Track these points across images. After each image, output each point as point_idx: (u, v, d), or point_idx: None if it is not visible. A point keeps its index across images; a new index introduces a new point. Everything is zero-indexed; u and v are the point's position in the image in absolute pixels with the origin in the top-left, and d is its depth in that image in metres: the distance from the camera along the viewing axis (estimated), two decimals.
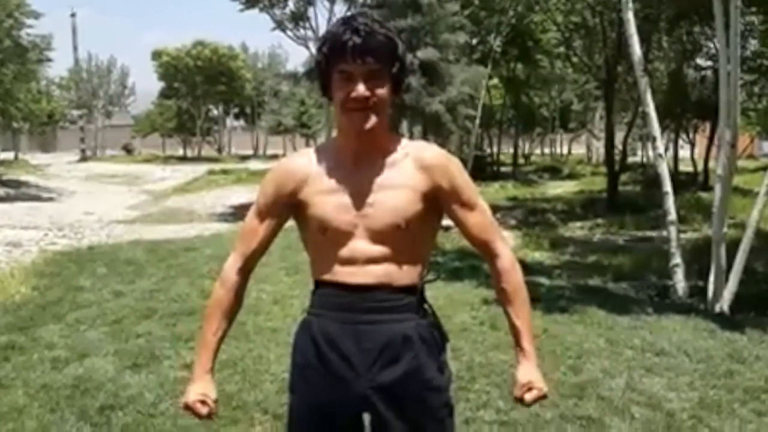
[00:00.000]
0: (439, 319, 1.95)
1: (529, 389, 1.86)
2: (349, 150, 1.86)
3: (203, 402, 1.87)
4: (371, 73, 1.77)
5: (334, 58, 1.77)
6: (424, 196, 1.82)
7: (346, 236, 1.83)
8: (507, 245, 1.93)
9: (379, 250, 1.82)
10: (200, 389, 1.88)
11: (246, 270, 1.97)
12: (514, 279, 1.91)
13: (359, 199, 1.83)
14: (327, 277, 1.87)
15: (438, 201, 1.85)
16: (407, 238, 1.82)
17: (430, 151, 1.88)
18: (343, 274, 1.84)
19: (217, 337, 1.93)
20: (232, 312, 1.96)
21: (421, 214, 1.82)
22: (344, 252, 1.83)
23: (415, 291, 1.87)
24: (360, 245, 1.83)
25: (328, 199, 1.85)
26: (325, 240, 1.86)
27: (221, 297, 1.95)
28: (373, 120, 1.79)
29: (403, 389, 1.82)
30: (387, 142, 1.88)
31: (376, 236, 1.82)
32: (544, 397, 1.88)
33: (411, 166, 1.84)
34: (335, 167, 1.87)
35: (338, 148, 1.90)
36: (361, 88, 1.76)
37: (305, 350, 1.89)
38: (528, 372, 1.88)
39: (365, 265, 1.82)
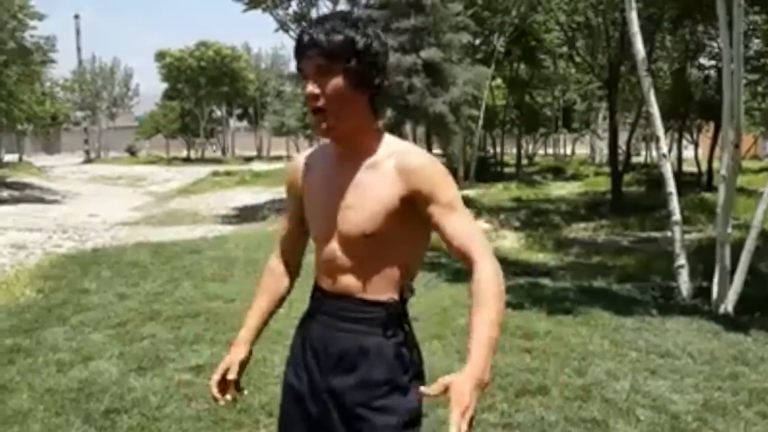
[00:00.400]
0: (415, 340, 1.86)
1: (450, 398, 1.48)
2: (332, 151, 1.86)
3: (223, 382, 1.98)
4: (319, 69, 1.71)
5: (295, 58, 1.77)
6: (400, 201, 1.74)
7: (325, 239, 1.85)
8: (489, 252, 1.69)
9: (348, 256, 1.81)
10: (229, 357, 2.00)
11: (281, 256, 2.09)
12: (489, 285, 1.63)
13: (337, 202, 1.80)
14: (316, 279, 1.94)
15: (417, 207, 1.74)
16: (375, 246, 1.77)
17: (413, 155, 1.77)
18: (323, 279, 1.89)
19: (255, 312, 2.07)
20: (270, 293, 2.09)
21: (391, 221, 1.74)
22: (323, 255, 1.86)
23: (384, 306, 1.81)
24: (333, 250, 1.83)
25: (313, 201, 1.89)
26: (315, 241, 1.93)
27: (261, 279, 2.12)
28: (329, 119, 1.73)
29: (351, 399, 1.79)
30: (369, 142, 1.80)
31: (347, 242, 1.80)
32: (467, 413, 1.46)
33: (392, 170, 1.75)
34: (322, 168, 1.88)
35: (329, 148, 1.90)
36: (308, 86, 1.72)
37: (295, 346, 1.98)
38: (458, 375, 1.51)
39: (337, 272, 1.83)
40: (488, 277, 1.64)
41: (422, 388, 1.56)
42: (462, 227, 1.72)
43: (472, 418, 1.46)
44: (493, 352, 1.56)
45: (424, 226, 1.79)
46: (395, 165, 1.75)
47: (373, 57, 1.74)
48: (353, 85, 1.72)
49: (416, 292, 1.89)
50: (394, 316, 1.82)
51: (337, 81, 1.71)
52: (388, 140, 1.83)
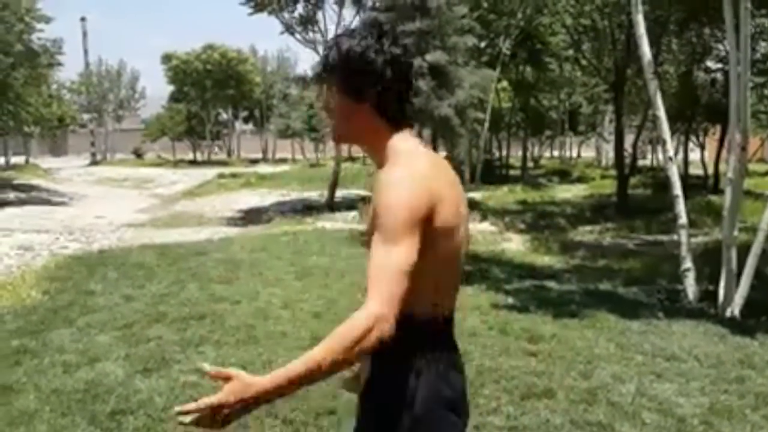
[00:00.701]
0: (413, 360, 1.75)
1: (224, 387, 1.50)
2: None
3: None
4: (324, 81, 1.83)
5: None
6: (373, 217, 1.75)
7: None
8: (379, 297, 1.55)
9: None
10: None
11: None
12: (346, 331, 1.52)
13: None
14: None
15: None
16: None
17: (387, 172, 1.72)
18: None
19: None
20: None
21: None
22: None
23: None
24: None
25: None
26: None
27: None
28: (337, 127, 1.83)
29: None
30: (382, 151, 1.80)
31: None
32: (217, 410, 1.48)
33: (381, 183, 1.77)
34: None
35: None
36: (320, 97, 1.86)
37: None
38: (246, 379, 1.51)
39: None
40: (352, 323, 1.52)
41: (204, 363, 1.57)
42: (374, 260, 1.61)
43: (214, 416, 1.47)
44: (289, 387, 1.51)
45: (430, 249, 1.69)
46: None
47: (365, 65, 1.76)
48: (346, 94, 1.77)
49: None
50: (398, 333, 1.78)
51: (334, 92, 1.79)
52: (398, 149, 1.79)
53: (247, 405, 1.50)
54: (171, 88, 46.80)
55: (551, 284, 8.10)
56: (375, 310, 1.53)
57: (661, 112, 7.49)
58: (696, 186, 20.44)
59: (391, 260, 1.59)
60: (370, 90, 1.77)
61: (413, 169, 1.71)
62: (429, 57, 14.07)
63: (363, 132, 1.81)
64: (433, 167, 1.76)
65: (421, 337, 1.78)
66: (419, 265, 1.69)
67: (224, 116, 52.20)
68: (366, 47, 1.77)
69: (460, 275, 1.86)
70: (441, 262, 1.75)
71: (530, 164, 33.98)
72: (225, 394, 1.49)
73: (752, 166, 20.93)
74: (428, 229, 1.66)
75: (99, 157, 46.53)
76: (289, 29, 19.90)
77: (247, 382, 1.50)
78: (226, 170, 32.72)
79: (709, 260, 7.91)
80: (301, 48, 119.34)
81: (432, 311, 1.79)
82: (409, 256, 1.60)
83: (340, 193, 18.71)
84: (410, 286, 1.64)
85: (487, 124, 21.79)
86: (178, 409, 1.49)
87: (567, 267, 9.63)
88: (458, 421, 1.80)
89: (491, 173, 26.80)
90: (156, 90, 56.73)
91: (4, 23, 21.23)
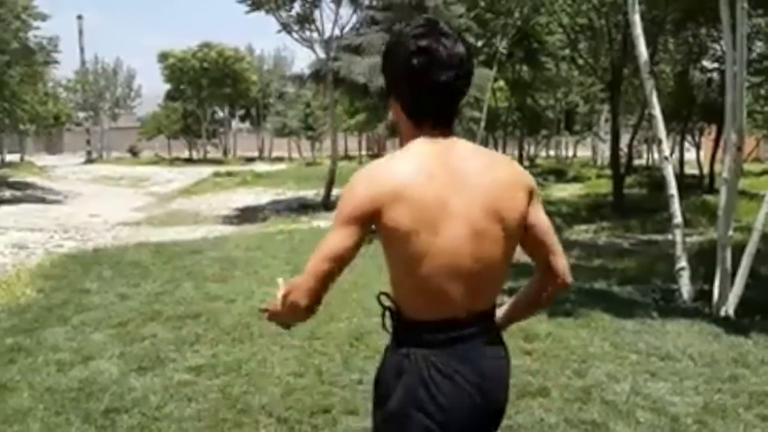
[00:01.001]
0: (398, 358, 1.82)
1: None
2: None
3: None
4: None
5: None
6: None
7: None
8: (303, 274, 1.75)
9: None
10: None
11: None
12: (284, 286, 1.85)
13: None
14: None
15: None
16: None
17: None
18: None
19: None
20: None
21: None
22: None
23: (388, 306, 1.87)
24: None
25: None
26: None
27: None
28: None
29: None
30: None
31: None
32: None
33: None
34: None
35: None
36: None
37: None
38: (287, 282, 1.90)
39: None
40: (285, 285, 1.81)
41: (279, 279, 1.94)
42: None
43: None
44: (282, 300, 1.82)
45: (391, 248, 1.76)
46: None
47: (388, 62, 1.84)
48: (387, 91, 1.89)
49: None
50: (393, 321, 1.86)
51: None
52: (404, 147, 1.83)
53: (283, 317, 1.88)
54: (167, 86, 46.77)
55: None
56: (295, 279, 1.77)
57: (657, 112, 7.50)
58: (691, 185, 20.48)
59: (321, 245, 1.75)
60: (393, 87, 1.85)
61: (373, 170, 1.78)
62: None
63: (399, 126, 1.88)
64: (409, 169, 1.73)
65: (408, 337, 1.81)
66: (390, 265, 1.79)
67: (220, 114, 52.21)
68: (391, 45, 1.85)
69: (469, 282, 1.81)
70: (408, 263, 1.74)
71: (526, 163, 33.94)
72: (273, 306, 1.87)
73: (747, 166, 21.01)
74: (378, 227, 1.73)
75: (95, 155, 46.49)
76: (286, 28, 19.84)
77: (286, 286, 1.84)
78: (222, 168, 32.67)
79: (703, 260, 7.91)
80: (298, 47, 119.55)
81: (422, 314, 1.80)
82: (335, 245, 1.72)
83: (336, 192, 18.69)
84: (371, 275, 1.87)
85: (483, 124, 21.77)
86: (261, 306, 1.95)
87: None
88: (430, 425, 1.76)
89: None
90: (152, 88, 56.88)
91: (1, 21, 21.18)
